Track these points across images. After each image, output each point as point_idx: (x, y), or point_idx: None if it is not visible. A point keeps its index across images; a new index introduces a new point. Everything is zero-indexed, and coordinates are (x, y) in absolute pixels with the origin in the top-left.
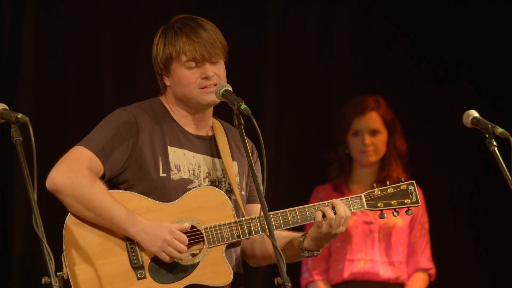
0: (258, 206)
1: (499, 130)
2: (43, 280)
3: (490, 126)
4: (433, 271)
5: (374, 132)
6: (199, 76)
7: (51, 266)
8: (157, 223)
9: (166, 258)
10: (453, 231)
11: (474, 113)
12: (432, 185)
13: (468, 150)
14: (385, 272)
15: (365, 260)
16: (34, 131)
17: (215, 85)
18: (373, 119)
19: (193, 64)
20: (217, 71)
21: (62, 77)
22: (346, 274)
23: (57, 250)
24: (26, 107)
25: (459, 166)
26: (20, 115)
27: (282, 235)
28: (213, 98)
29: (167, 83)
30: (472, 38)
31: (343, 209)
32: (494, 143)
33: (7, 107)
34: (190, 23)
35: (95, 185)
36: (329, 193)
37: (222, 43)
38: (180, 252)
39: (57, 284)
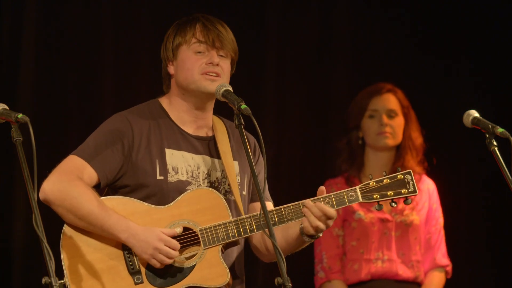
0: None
1: (499, 130)
2: (43, 280)
3: (490, 126)
4: (449, 268)
5: (391, 114)
6: (204, 62)
7: (51, 266)
8: (148, 229)
9: (157, 265)
10: (456, 230)
11: (474, 113)
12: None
13: (470, 149)
14: (404, 272)
15: (383, 259)
16: (34, 131)
17: (217, 75)
18: (391, 100)
19: (201, 48)
20: (223, 64)
21: (62, 77)
22: (363, 274)
23: (57, 250)
24: (26, 107)
25: (461, 164)
26: (20, 115)
27: (289, 226)
28: (212, 87)
29: (171, 71)
30: (474, 34)
31: (313, 219)
32: (495, 143)
33: (7, 107)
34: (207, 17)
35: (83, 194)
36: (342, 187)
37: (234, 44)
38: (171, 258)
39: (57, 284)
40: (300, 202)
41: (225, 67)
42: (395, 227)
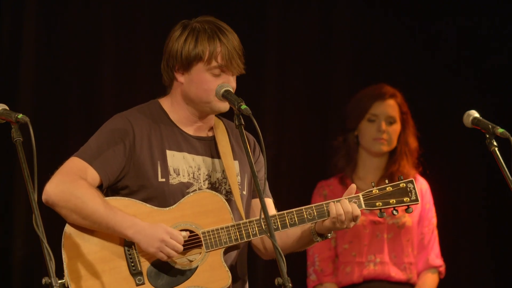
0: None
1: (500, 130)
2: (43, 280)
3: (490, 126)
4: (443, 269)
5: (390, 121)
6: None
7: (52, 266)
8: (154, 224)
9: (164, 258)
10: (456, 230)
11: (475, 113)
12: (434, 183)
13: (470, 149)
14: (396, 274)
15: (375, 262)
16: (34, 131)
17: None
18: (392, 107)
19: (219, 72)
20: (235, 85)
21: (63, 77)
22: (355, 277)
23: (58, 251)
24: (26, 107)
25: (462, 164)
26: (20, 116)
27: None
28: (224, 106)
29: (180, 79)
30: (474, 34)
31: (340, 208)
32: (495, 143)
33: (7, 107)
34: (223, 30)
35: (87, 194)
36: (335, 188)
37: (243, 59)
38: (177, 251)
39: (57, 284)
40: (302, 207)
41: (235, 85)
42: (387, 229)
